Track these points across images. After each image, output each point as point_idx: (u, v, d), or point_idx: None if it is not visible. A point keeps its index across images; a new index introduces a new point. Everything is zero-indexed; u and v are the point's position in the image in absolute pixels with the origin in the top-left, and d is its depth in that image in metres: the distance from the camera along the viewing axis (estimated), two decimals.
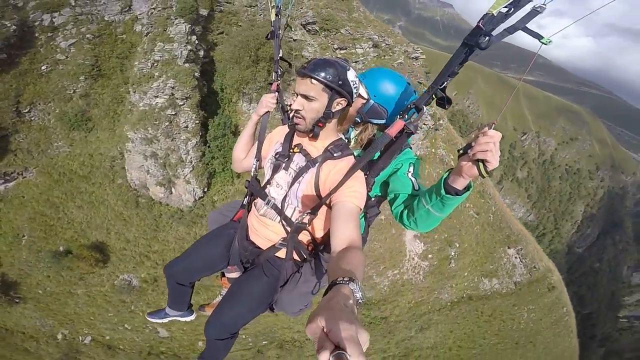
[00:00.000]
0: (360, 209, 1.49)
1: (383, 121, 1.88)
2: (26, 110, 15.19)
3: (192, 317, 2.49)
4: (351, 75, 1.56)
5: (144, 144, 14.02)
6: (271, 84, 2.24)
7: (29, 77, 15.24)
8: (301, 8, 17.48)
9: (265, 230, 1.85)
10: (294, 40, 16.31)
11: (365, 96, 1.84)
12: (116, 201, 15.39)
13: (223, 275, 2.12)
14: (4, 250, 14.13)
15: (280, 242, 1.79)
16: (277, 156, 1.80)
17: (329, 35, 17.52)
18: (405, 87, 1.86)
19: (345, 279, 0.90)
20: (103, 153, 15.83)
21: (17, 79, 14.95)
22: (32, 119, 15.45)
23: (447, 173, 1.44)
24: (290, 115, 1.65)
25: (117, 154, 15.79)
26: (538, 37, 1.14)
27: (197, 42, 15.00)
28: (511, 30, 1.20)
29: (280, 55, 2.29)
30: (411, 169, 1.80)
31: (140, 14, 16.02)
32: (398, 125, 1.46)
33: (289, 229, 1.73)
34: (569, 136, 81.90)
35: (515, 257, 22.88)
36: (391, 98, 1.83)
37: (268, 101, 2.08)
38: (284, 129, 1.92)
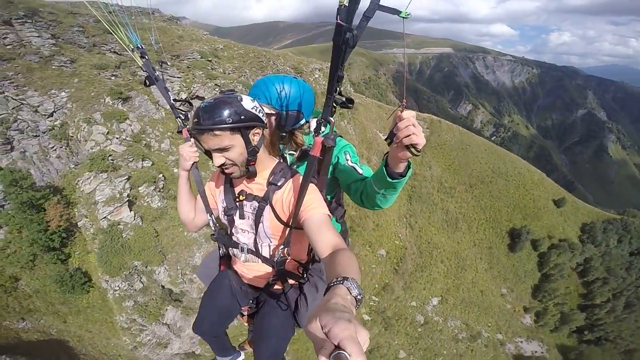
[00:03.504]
0: (329, 215, 1.51)
1: (304, 120, 1.91)
2: None
3: (242, 356, 2.65)
4: (247, 102, 1.47)
5: None
6: (180, 132, 2.03)
7: None
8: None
9: (255, 272, 1.91)
10: None
11: (274, 112, 1.84)
12: None
13: (242, 315, 2.20)
14: None
15: (272, 278, 1.84)
16: (225, 212, 1.79)
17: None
18: (291, 81, 1.87)
19: (339, 279, 0.90)
20: None
21: None
22: None
23: (384, 161, 1.47)
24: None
25: None
26: (396, 12, 1.10)
27: None
28: (369, 13, 1.17)
29: (173, 98, 2.08)
30: (348, 156, 1.89)
31: None
32: (317, 144, 1.47)
33: (272, 265, 1.78)
34: (347, 64, 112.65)
35: None
36: (294, 98, 1.84)
37: (188, 152, 1.89)
38: (219, 175, 1.85)
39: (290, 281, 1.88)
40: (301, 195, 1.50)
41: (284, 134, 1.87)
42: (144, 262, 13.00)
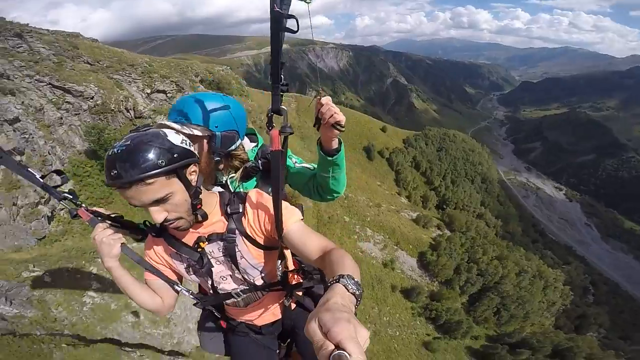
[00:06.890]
0: (301, 219, 1.42)
1: (239, 141, 1.75)
2: None
3: None
4: (174, 136, 1.20)
5: None
6: (76, 216, 1.42)
7: None
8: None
9: (264, 309, 1.75)
10: None
11: (208, 133, 1.62)
12: None
13: None
14: None
15: (285, 301, 1.71)
16: (194, 270, 1.53)
17: None
18: (220, 98, 1.70)
19: (336, 277, 0.87)
20: None
21: None
22: None
23: (318, 146, 1.65)
24: (167, 226, 1.28)
25: None
26: None
27: None
28: (287, 1, 1.12)
29: (41, 175, 1.41)
30: (294, 159, 1.96)
31: None
32: (275, 136, 1.31)
33: (277, 287, 1.64)
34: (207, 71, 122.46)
35: None
36: (227, 117, 1.66)
37: (108, 237, 1.36)
38: (154, 240, 1.55)
39: (298, 292, 1.77)
40: (274, 210, 1.31)
41: (219, 159, 1.67)
42: None
